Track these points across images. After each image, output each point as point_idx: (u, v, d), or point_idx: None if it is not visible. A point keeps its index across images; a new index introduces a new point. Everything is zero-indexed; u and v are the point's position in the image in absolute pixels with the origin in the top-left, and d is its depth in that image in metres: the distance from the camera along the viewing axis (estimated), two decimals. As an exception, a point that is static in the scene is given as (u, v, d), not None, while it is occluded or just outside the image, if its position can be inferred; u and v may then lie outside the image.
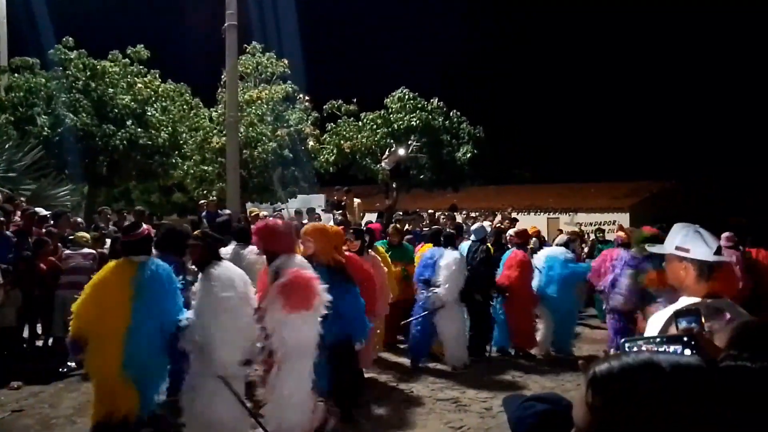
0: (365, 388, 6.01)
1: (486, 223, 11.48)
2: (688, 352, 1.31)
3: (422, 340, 7.13)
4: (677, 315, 1.87)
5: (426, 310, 7.02)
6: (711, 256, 2.30)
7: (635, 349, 1.29)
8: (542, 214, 25.17)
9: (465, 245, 8.18)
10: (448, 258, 7.02)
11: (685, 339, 1.33)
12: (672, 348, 1.33)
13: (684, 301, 2.32)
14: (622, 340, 1.38)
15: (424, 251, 7.70)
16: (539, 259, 8.06)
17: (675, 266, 2.39)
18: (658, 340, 1.35)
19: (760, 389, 1.12)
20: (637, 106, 45.61)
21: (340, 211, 12.15)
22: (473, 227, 8.92)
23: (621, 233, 7.77)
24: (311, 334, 4.21)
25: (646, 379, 1.01)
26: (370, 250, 6.79)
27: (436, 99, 19.41)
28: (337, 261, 4.98)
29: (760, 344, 1.28)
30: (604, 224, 20.26)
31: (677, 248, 2.35)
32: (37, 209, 8.67)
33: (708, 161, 32.32)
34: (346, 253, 5.66)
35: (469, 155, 18.86)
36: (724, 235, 8.12)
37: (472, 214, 13.71)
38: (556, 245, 8.31)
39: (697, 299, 2.27)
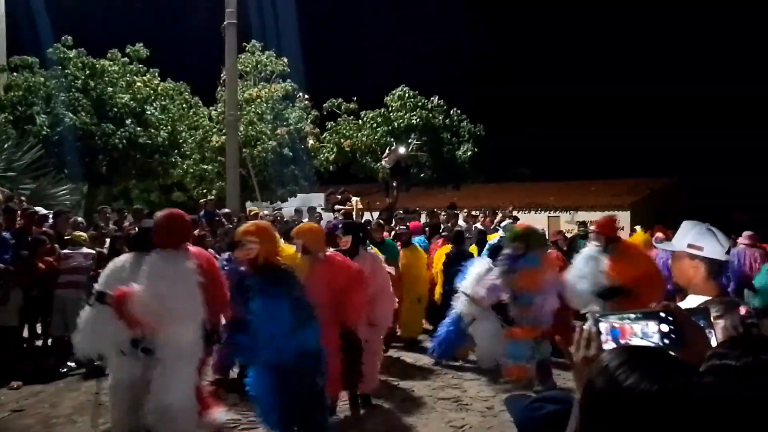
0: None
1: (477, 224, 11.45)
2: (665, 327, 1.30)
3: (451, 341, 6.96)
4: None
5: (459, 320, 6.77)
6: (723, 255, 2.28)
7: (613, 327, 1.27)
8: (543, 212, 25.17)
9: (492, 242, 8.13)
10: (477, 267, 6.63)
11: (662, 315, 1.32)
12: (648, 324, 1.31)
13: (692, 299, 2.28)
14: (597, 315, 1.37)
15: (444, 251, 7.59)
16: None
17: (685, 264, 2.34)
18: (632, 316, 1.34)
19: (741, 391, 1.07)
20: (636, 104, 45.59)
21: (341, 210, 12.12)
22: (503, 224, 8.83)
23: (660, 234, 7.52)
24: (183, 339, 3.88)
25: (631, 385, 1.02)
26: (370, 248, 6.07)
27: (437, 97, 19.41)
28: (278, 266, 4.15)
29: (751, 342, 1.25)
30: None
31: (690, 246, 2.31)
32: (37, 208, 8.65)
33: (708, 158, 32.33)
34: (329, 252, 5.15)
35: (469, 153, 18.86)
36: (746, 233, 8.18)
37: (473, 213, 13.68)
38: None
39: (705, 297, 2.24)
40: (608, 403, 1.03)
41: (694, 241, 2.30)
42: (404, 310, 7.61)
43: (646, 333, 1.32)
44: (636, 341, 1.32)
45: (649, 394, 0.99)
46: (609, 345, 1.32)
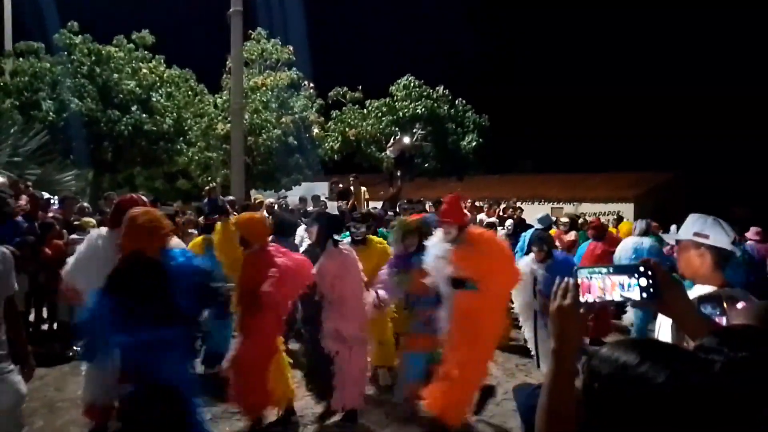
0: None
1: (483, 215, 11.40)
2: (643, 281, 1.34)
3: None
4: (700, 300, 1.87)
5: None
6: (729, 245, 2.29)
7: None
8: (546, 203, 25.13)
9: (528, 234, 8.10)
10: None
11: (642, 269, 1.35)
12: (624, 278, 1.35)
13: (699, 290, 2.29)
14: (575, 268, 1.42)
15: None
16: (625, 250, 7.44)
17: (690, 254, 2.35)
18: (604, 270, 1.38)
19: (719, 388, 1.05)
20: (640, 100, 45.34)
21: (345, 201, 12.09)
22: (539, 216, 8.71)
23: None
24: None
25: (664, 382, 1.02)
26: (341, 243, 4.97)
27: (442, 87, 19.35)
28: (144, 262, 3.46)
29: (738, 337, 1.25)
30: (607, 214, 20.24)
31: (696, 234, 2.32)
32: (43, 193, 8.72)
33: (711, 154, 32.18)
34: (271, 246, 4.63)
35: (474, 144, 18.82)
36: (753, 229, 8.14)
37: (477, 204, 13.68)
38: (639, 234, 7.56)
39: (711, 288, 2.25)
40: (632, 398, 1.03)
41: (700, 230, 2.32)
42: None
43: (623, 286, 1.35)
44: (613, 295, 1.36)
45: (678, 390, 1.00)
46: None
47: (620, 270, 1.37)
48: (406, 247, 4.95)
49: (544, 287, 5.69)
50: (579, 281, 1.37)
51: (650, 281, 1.33)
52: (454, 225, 4.58)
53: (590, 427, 1.10)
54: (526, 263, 6.01)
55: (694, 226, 2.35)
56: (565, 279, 1.38)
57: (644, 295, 1.33)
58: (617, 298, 1.36)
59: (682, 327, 1.50)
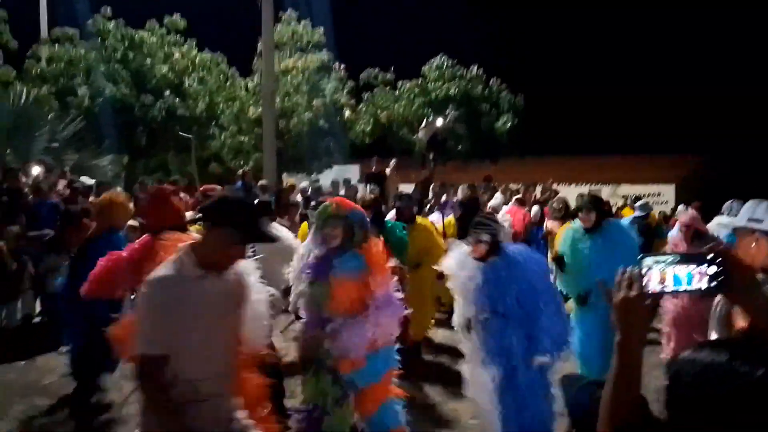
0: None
1: (498, 195, 11.04)
2: (713, 269, 1.29)
3: None
4: None
5: None
6: None
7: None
8: (584, 185, 24.60)
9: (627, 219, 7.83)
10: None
11: (710, 257, 1.30)
12: (692, 266, 1.30)
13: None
14: (640, 255, 1.37)
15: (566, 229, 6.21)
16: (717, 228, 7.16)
17: (746, 241, 2.26)
18: (670, 259, 1.32)
19: None
20: (680, 79, 43.97)
21: (373, 186, 11.91)
22: (638, 203, 8.47)
23: None
24: None
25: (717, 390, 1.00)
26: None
27: (476, 66, 18.93)
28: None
29: None
30: (649, 196, 19.68)
31: (750, 220, 2.24)
32: (83, 178, 8.82)
33: (757, 136, 30.96)
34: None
35: (508, 125, 18.43)
36: None
37: (512, 186, 13.39)
38: (733, 215, 7.06)
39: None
40: (730, 395, 0.99)
41: (753, 214, 2.25)
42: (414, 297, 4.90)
43: (692, 276, 1.31)
44: (681, 284, 1.31)
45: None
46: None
47: (688, 258, 1.32)
48: (324, 239, 3.36)
49: (481, 296, 3.62)
50: (644, 270, 1.31)
51: (720, 268, 1.29)
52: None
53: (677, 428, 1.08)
54: (458, 258, 3.83)
55: (747, 212, 2.27)
56: (629, 268, 1.32)
57: (713, 284, 1.30)
58: (686, 288, 1.32)
59: (757, 318, 1.42)
